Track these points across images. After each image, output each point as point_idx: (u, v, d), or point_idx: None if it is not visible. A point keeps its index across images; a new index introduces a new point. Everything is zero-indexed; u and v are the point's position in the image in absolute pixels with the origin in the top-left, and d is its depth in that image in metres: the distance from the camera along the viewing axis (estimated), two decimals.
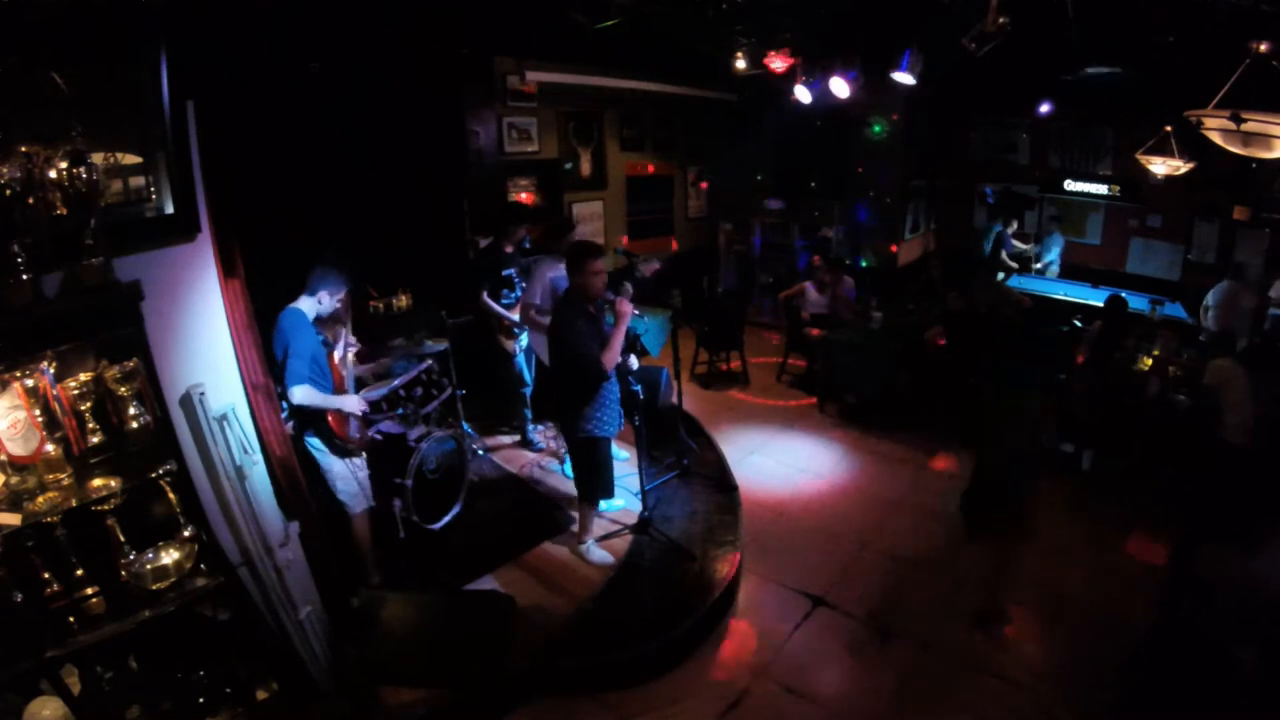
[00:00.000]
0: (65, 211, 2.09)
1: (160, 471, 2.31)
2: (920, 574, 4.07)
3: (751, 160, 8.85)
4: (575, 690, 3.24)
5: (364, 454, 3.52)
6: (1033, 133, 8.36)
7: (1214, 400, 4.24)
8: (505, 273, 4.84)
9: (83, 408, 2.24)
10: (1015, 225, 8.50)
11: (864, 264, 8.27)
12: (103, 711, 2.28)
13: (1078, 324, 6.21)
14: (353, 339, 4.04)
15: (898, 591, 3.92)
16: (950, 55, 4.60)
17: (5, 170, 1.95)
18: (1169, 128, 5.87)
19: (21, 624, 2.07)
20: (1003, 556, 4.03)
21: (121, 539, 2.30)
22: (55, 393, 2.17)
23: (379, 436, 3.92)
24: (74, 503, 2.13)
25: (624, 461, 4.78)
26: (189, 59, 2.44)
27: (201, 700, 2.52)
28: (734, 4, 5.29)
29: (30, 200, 2.01)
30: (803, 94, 6.24)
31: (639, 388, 4.09)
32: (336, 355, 3.46)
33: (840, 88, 6.03)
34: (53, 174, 2.04)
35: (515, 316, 4.74)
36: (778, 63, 5.94)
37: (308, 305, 3.23)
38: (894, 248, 8.22)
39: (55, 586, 2.17)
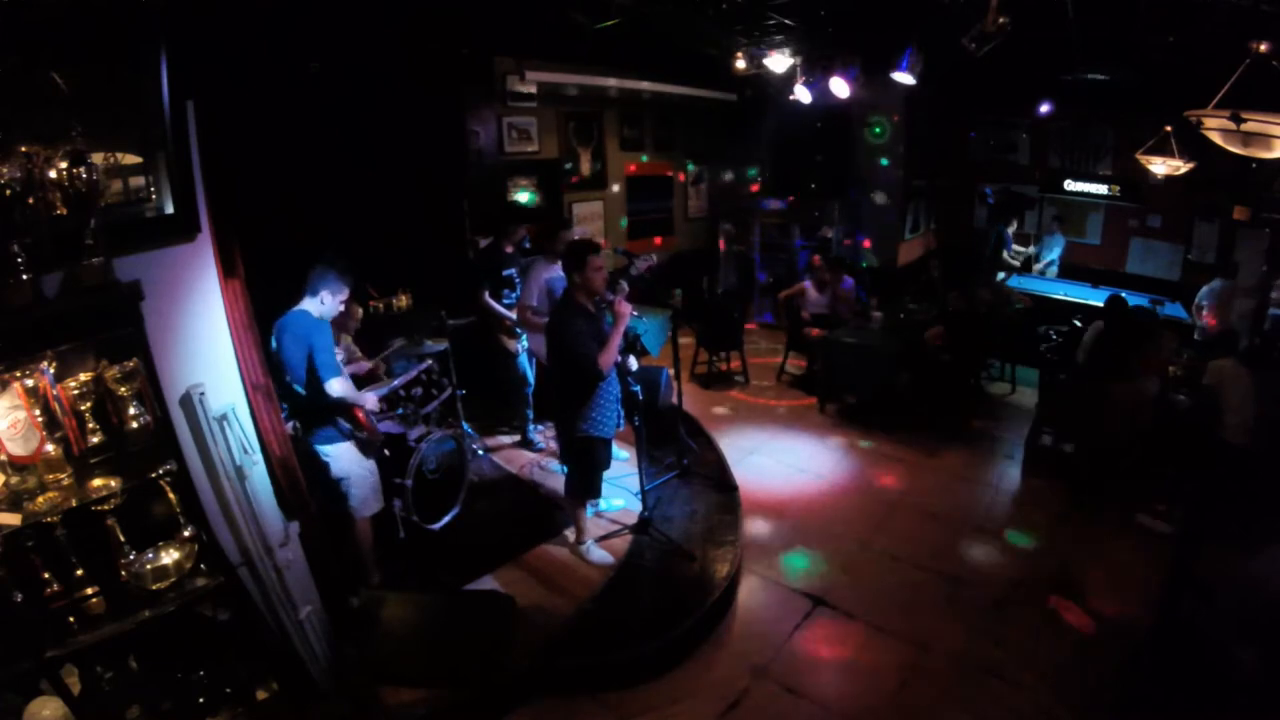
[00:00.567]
0: (65, 211, 2.08)
1: (160, 471, 2.31)
2: (920, 574, 4.07)
3: (751, 160, 8.84)
4: (575, 690, 3.23)
5: (379, 455, 3.55)
6: (1033, 133, 8.37)
7: (1214, 400, 4.24)
8: (506, 273, 4.85)
9: (83, 408, 2.24)
10: (1015, 225, 8.50)
11: (864, 264, 8.27)
12: (103, 711, 2.27)
13: (1077, 324, 6.22)
14: (359, 353, 4.06)
15: (898, 591, 3.92)
16: (950, 55, 4.60)
17: (5, 170, 1.95)
18: (1169, 128, 5.87)
19: (21, 624, 2.06)
20: None
21: (121, 539, 2.30)
22: (55, 393, 2.17)
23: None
24: (74, 503, 2.13)
25: (624, 461, 4.79)
26: (189, 59, 2.43)
27: (201, 700, 2.52)
28: (734, 4, 5.29)
29: (30, 200, 2.01)
30: (803, 94, 6.25)
31: (639, 388, 4.09)
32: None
33: (840, 87, 6.04)
34: (53, 174, 2.04)
35: (515, 317, 4.75)
36: (778, 62, 5.94)
37: (311, 306, 3.23)
38: (869, 243, 8.29)
39: (55, 586, 2.17)
